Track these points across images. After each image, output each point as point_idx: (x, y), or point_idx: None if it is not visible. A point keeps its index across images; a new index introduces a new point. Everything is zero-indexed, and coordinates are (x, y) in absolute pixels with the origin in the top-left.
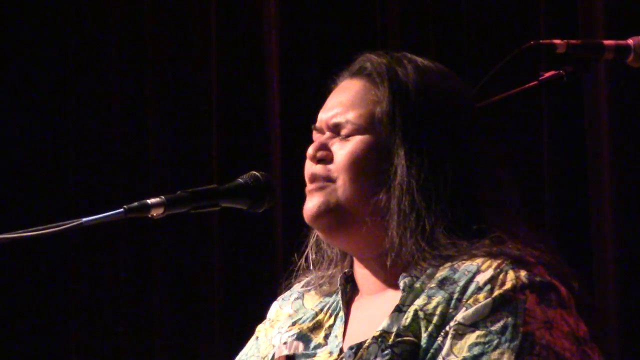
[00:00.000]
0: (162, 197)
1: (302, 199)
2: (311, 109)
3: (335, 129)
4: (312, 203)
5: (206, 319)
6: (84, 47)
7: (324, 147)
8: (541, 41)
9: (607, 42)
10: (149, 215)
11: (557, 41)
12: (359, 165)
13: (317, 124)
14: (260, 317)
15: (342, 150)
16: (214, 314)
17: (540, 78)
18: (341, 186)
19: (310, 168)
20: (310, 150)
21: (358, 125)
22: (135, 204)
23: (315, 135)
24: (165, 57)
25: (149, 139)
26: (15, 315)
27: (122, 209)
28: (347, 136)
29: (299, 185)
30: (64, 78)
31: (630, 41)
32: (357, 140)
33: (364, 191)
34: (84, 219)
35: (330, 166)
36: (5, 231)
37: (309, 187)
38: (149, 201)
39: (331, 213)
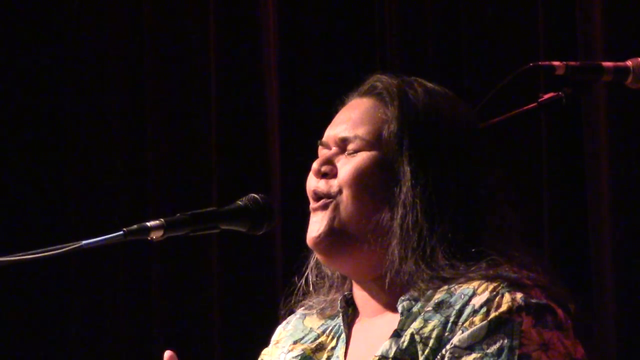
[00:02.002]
0: (162, 219)
1: (301, 220)
2: (310, 131)
3: (343, 144)
4: (315, 227)
5: (206, 341)
6: (81, 66)
7: (329, 161)
8: (540, 63)
9: (605, 63)
10: (149, 238)
11: (556, 63)
12: (363, 180)
13: (324, 139)
14: (259, 338)
15: (347, 166)
16: (214, 337)
17: (540, 100)
18: (343, 201)
19: (314, 183)
20: (315, 165)
21: (366, 141)
22: (135, 226)
23: (321, 151)
24: (164, 77)
25: (148, 161)
26: (15, 336)
27: (121, 232)
28: (354, 152)
29: (298, 207)
30: (63, 99)
31: (629, 63)
32: (363, 156)
33: (367, 208)
34: (84, 242)
35: (333, 181)
36: (5, 254)
37: (313, 204)
38: (148, 224)
39: (333, 235)
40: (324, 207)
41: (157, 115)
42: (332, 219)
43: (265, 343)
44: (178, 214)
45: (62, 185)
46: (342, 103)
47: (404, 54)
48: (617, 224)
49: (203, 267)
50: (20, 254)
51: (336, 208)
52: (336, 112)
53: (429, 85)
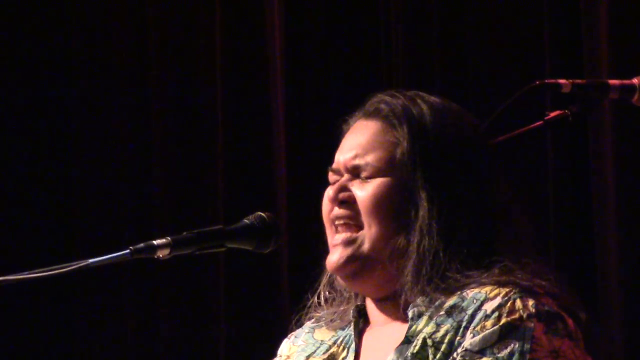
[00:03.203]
0: (168, 238)
1: (307, 237)
2: (317, 149)
3: (355, 172)
4: (338, 255)
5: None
6: (87, 80)
7: (345, 189)
8: (546, 81)
9: (612, 81)
10: (155, 256)
11: (562, 81)
12: (383, 209)
13: (334, 166)
14: (266, 356)
15: (365, 193)
16: (219, 354)
17: (546, 118)
18: (368, 233)
19: (332, 211)
20: (330, 193)
21: (378, 167)
22: (141, 245)
23: (332, 177)
24: (169, 95)
25: (154, 178)
26: (20, 355)
27: (128, 250)
28: (368, 178)
29: (305, 225)
30: (69, 115)
31: (635, 80)
32: (378, 183)
33: (387, 234)
34: (91, 260)
35: (354, 207)
36: (11, 273)
37: (335, 239)
38: (155, 242)
39: (356, 262)
40: (349, 243)
41: (162, 133)
42: (354, 253)
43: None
44: (184, 233)
45: (68, 203)
46: (346, 124)
47: (409, 71)
48: (624, 240)
49: (210, 286)
50: (26, 273)
51: (362, 242)
52: (341, 133)
53: (432, 99)
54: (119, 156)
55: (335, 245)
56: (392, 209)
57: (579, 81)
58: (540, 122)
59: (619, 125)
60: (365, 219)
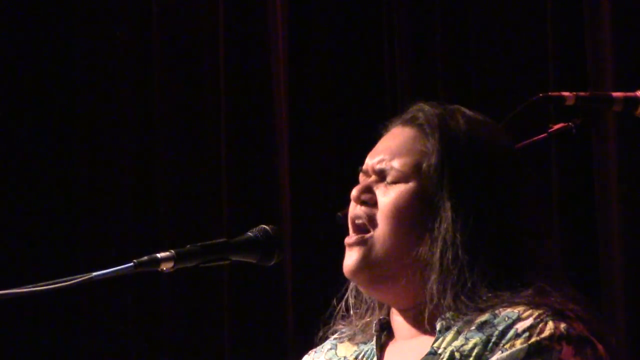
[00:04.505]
0: (172, 251)
1: (310, 250)
2: (320, 162)
3: (381, 175)
4: (351, 259)
5: None
6: (90, 91)
7: (368, 190)
8: (550, 93)
9: (615, 94)
10: (159, 270)
11: (566, 93)
12: (401, 214)
13: (364, 167)
14: None
15: (386, 198)
16: None
17: (550, 130)
18: (381, 236)
19: (353, 210)
20: (354, 192)
21: (403, 172)
22: (145, 258)
23: (362, 178)
24: (173, 101)
25: (157, 191)
26: None
27: (131, 263)
28: (392, 183)
29: (309, 236)
30: (70, 124)
31: (638, 93)
32: (401, 188)
33: (405, 242)
34: (94, 274)
35: (374, 209)
36: (14, 286)
37: (349, 239)
38: (158, 255)
39: (370, 268)
40: (359, 244)
41: (166, 144)
42: (367, 254)
43: None
44: (188, 246)
45: (71, 215)
46: (386, 128)
47: (413, 80)
48: (628, 251)
49: (213, 299)
50: (30, 286)
51: (373, 245)
52: (379, 137)
53: (472, 115)
54: (121, 168)
55: (347, 246)
56: (412, 215)
57: (582, 94)
58: (544, 135)
59: (622, 138)
60: (380, 221)
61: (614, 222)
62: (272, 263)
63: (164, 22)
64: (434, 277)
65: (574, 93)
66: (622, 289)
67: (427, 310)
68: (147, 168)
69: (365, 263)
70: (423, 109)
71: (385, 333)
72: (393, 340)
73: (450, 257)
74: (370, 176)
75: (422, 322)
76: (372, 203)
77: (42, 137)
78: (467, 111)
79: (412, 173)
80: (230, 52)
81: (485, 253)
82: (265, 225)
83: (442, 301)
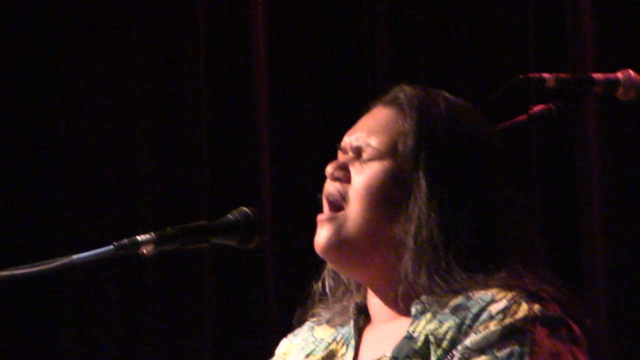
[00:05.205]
0: (152, 234)
1: (292, 232)
2: (300, 143)
3: (357, 152)
4: (321, 236)
5: (198, 355)
6: (72, 77)
7: (343, 167)
8: (530, 75)
9: (596, 75)
10: (139, 252)
11: (547, 75)
12: (374, 191)
13: (342, 144)
14: (251, 349)
15: (360, 175)
16: (205, 350)
17: (530, 112)
18: (352, 213)
19: (327, 187)
20: (328, 169)
21: (379, 150)
22: (125, 241)
23: (340, 155)
24: (154, 87)
25: (138, 174)
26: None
27: (111, 246)
28: (368, 160)
29: (289, 219)
30: (51, 109)
31: (619, 75)
32: (376, 166)
33: (378, 221)
34: (75, 257)
35: (347, 186)
36: None
37: (321, 215)
38: (139, 238)
39: (341, 246)
40: (330, 220)
41: (146, 129)
42: (337, 231)
43: (258, 354)
44: (168, 228)
45: (52, 199)
46: (368, 110)
47: (393, 65)
48: (609, 234)
49: (194, 281)
50: (8, 270)
51: (344, 222)
52: (361, 117)
53: (453, 99)
54: (102, 152)
55: (319, 222)
56: (385, 193)
57: (563, 75)
58: (525, 117)
59: (603, 120)
60: (353, 198)
61: (596, 203)
62: (253, 245)
63: (146, 11)
64: (408, 255)
65: (555, 75)
66: (604, 274)
67: (401, 290)
68: (128, 152)
69: (336, 240)
70: (404, 90)
71: (362, 317)
72: (370, 324)
73: (424, 236)
74: (347, 153)
75: (398, 304)
76: (345, 180)
77: (23, 121)
78: (450, 96)
79: (388, 151)
80: (210, 31)
81: (460, 234)
82: (246, 207)
83: (416, 279)
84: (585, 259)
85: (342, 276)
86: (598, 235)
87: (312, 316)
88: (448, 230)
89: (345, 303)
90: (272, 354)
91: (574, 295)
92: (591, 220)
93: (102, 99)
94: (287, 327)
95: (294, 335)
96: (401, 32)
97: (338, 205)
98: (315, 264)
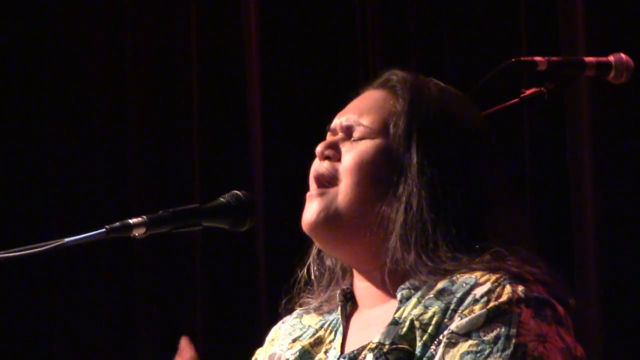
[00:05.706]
0: (144, 216)
1: (284, 216)
2: (292, 128)
3: (347, 132)
4: (310, 211)
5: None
6: (63, 65)
7: (333, 145)
8: (522, 58)
9: (588, 59)
10: (131, 235)
11: (538, 58)
12: (365, 168)
13: (332, 126)
14: (243, 337)
15: (350, 153)
16: (197, 335)
17: (522, 95)
18: (343, 190)
19: (316, 166)
20: (318, 148)
21: (370, 129)
22: (117, 223)
23: (329, 137)
24: (146, 77)
25: (129, 158)
26: None
27: (104, 229)
28: (358, 139)
29: (281, 202)
30: (43, 98)
31: (611, 58)
32: (367, 144)
33: (367, 198)
34: (66, 239)
35: (337, 165)
36: None
37: (310, 191)
38: (130, 221)
39: (331, 222)
40: (321, 195)
41: (138, 113)
42: (327, 206)
43: (248, 341)
44: (160, 211)
45: (44, 183)
46: (357, 94)
47: (385, 51)
48: (600, 218)
49: (186, 265)
50: (1, 252)
51: (334, 198)
52: (349, 101)
53: (443, 85)
54: (94, 135)
55: (308, 198)
56: (376, 171)
57: (554, 58)
58: (516, 100)
59: (595, 103)
60: (343, 175)
61: (588, 186)
62: (245, 229)
63: (137, 10)
64: (396, 232)
65: (546, 58)
66: (596, 259)
67: (387, 269)
68: (120, 134)
69: (325, 215)
70: (396, 73)
71: (349, 303)
72: (357, 310)
73: (414, 215)
74: (337, 134)
75: (385, 287)
76: (335, 159)
77: (13, 105)
78: (441, 83)
79: (379, 130)
80: (202, 24)
81: (448, 213)
82: (238, 190)
83: (403, 256)
84: (576, 242)
85: (328, 261)
86: (589, 218)
87: (300, 305)
88: (437, 210)
89: (332, 292)
90: (263, 340)
91: (558, 275)
92: (582, 203)
93: (94, 81)
94: (278, 313)
95: (284, 322)
96: (393, 19)
97: (328, 183)
98: (308, 247)
